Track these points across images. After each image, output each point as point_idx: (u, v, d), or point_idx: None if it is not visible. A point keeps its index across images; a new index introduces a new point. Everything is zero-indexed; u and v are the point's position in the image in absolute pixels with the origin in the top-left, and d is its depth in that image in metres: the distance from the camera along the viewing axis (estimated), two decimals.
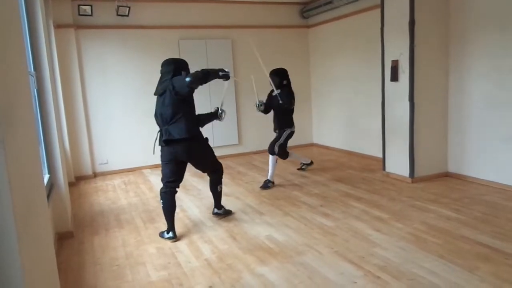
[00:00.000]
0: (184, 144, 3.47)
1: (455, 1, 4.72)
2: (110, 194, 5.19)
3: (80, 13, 5.81)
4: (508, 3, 4.15)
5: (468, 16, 4.58)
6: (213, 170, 3.91)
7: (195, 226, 3.82)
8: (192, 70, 6.88)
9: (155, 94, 3.59)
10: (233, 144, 7.26)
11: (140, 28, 6.39)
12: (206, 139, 3.71)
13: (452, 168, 5.00)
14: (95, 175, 6.30)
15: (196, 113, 3.69)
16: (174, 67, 3.55)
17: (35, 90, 3.52)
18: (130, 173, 6.41)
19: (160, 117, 3.49)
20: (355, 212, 3.93)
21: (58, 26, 5.72)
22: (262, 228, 3.66)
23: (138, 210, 4.43)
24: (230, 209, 4.16)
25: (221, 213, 4.01)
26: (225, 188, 5.13)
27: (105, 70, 6.26)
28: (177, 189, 3.63)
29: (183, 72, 3.59)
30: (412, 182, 4.84)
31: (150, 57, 6.51)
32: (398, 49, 4.81)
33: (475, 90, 4.62)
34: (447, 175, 5.02)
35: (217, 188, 3.95)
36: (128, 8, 6.00)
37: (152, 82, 6.53)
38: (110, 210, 4.50)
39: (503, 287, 2.44)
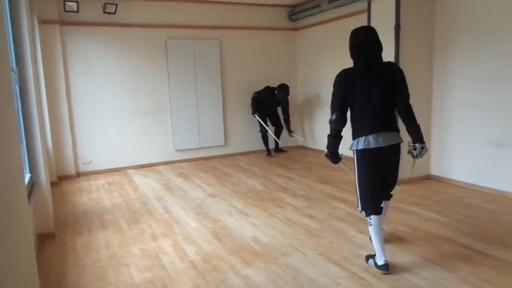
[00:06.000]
0: None
1: (439, 7, 4.81)
2: (94, 194, 5.12)
3: (66, 9, 5.71)
4: (490, 10, 4.25)
5: (452, 22, 4.67)
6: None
7: (180, 227, 3.79)
8: (180, 70, 6.88)
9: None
10: (220, 145, 7.24)
11: (127, 26, 6.32)
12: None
13: (434, 171, 5.08)
14: (79, 174, 6.20)
15: None
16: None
17: (17, 86, 3.45)
18: (114, 173, 6.33)
19: None
20: (340, 214, 3.96)
21: (42, 22, 5.62)
22: (248, 230, 3.65)
23: (122, 211, 4.37)
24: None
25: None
26: (211, 189, 5.11)
27: (90, 68, 6.17)
28: None
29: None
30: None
31: (137, 56, 6.46)
32: (383, 53, 4.86)
33: (458, 94, 4.70)
34: (429, 177, 5.10)
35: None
36: (115, 6, 5.93)
37: (139, 80, 6.53)
38: (94, 211, 4.43)
39: (483, 287, 2.48)
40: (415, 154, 2.78)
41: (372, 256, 2.83)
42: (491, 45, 4.28)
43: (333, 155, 2.88)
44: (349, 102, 2.75)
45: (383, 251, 2.73)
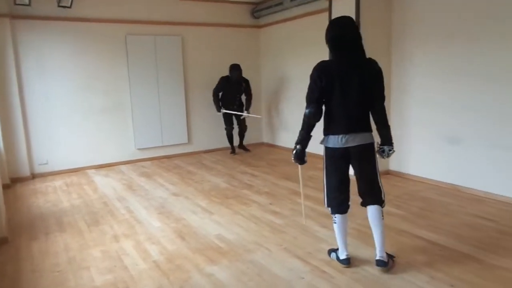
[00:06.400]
0: None
1: (397, 8, 4.99)
2: (51, 196, 4.92)
3: (17, 3, 5.39)
4: (446, 12, 4.46)
5: (410, 23, 4.86)
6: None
7: (143, 228, 3.72)
8: (141, 66, 6.71)
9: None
10: (183, 143, 7.15)
11: (84, 21, 6.09)
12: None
13: (393, 166, 5.28)
14: (34, 176, 5.92)
15: None
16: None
17: None
18: (72, 174, 6.10)
19: None
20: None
21: None
22: (212, 228, 3.64)
23: (81, 213, 4.23)
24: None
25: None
26: (174, 188, 5.05)
27: (45, 65, 5.90)
28: None
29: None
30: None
31: (95, 53, 6.25)
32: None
33: (415, 91, 4.90)
34: (388, 173, 5.29)
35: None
36: None
37: (98, 78, 6.32)
38: (51, 213, 4.26)
39: (437, 276, 2.62)
40: (383, 156, 2.77)
41: (335, 250, 2.90)
42: (447, 43, 4.48)
43: (303, 154, 2.76)
44: (325, 97, 2.64)
45: (346, 246, 2.81)
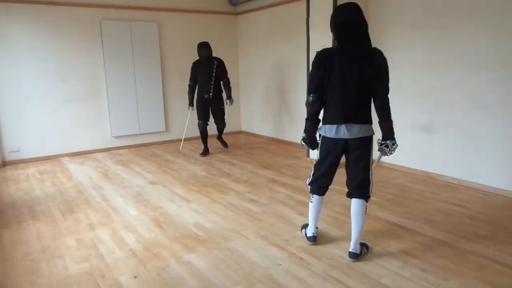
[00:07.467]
0: None
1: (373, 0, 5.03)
2: (23, 184, 4.78)
3: None
4: (417, 6, 4.51)
5: (383, 14, 4.90)
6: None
7: (119, 216, 3.67)
8: (117, 52, 6.55)
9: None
10: (160, 131, 7.06)
11: (56, 4, 5.87)
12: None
13: None
14: (4, 163, 5.74)
15: None
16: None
17: None
18: (46, 161, 5.94)
19: None
20: (280, 197, 4.06)
21: None
22: (190, 216, 3.63)
23: (55, 201, 4.13)
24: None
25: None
26: (152, 176, 4.99)
27: (15, 50, 5.67)
28: None
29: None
30: None
31: (69, 38, 6.05)
32: (322, 40, 5.00)
33: (390, 81, 4.96)
34: None
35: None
36: None
37: (72, 63, 6.13)
38: (23, 202, 4.15)
39: (409, 261, 2.69)
40: (387, 152, 2.68)
41: (306, 227, 3.05)
42: (417, 37, 4.55)
43: (311, 140, 2.78)
44: (325, 85, 2.61)
45: (314, 224, 2.96)
